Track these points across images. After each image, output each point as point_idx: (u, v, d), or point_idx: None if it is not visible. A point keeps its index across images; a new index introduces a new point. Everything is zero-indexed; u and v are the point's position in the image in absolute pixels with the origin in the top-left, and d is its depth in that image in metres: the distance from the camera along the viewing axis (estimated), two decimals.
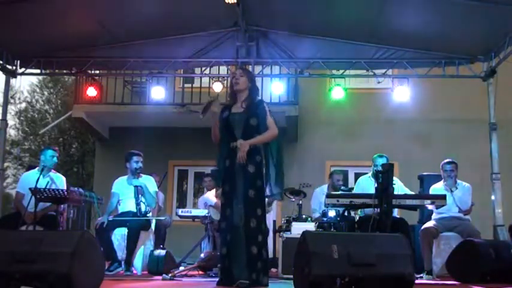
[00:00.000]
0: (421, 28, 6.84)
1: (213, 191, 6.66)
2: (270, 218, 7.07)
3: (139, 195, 6.10)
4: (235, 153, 4.10)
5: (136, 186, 6.13)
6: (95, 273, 3.56)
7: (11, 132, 21.60)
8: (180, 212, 7.37)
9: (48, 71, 8.54)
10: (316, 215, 6.98)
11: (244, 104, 4.21)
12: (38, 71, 8.12)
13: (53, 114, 22.83)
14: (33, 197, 5.45)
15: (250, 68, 7.55)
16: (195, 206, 11.48)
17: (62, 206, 5.96)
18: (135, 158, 6.22)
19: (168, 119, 10.28)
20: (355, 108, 10.35)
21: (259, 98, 4.42)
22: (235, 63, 7.76)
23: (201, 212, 7.02)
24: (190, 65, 8.39)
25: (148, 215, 6.15)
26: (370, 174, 6.29)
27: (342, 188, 7.51)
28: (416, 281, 3.90)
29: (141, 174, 6.29)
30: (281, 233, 5.92)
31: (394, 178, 5.21)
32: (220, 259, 4.17)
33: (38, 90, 23.38)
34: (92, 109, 10.14)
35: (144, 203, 6.10)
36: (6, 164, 16.19)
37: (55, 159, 6.13)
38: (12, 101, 20.80)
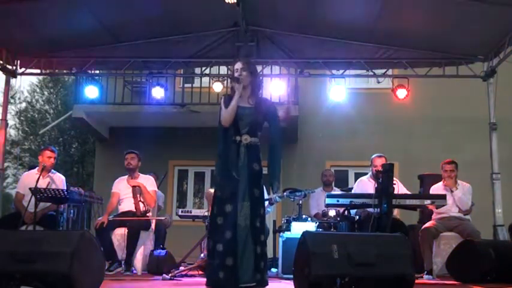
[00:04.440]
0: (421, 28, 6.84)
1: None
2: (270, 218, 7.07)
3: (138, 195, 6.11)
4: (238, 147, 4.00)
5: (133, 186, 6.13)
6: (95, 273, 3.56)
7: (11, 132, 21.62)
8: (180, 212, 7.37)
9: (48, 71, 8.53)
10: (314, 211, 7.00)
11: (251, 100, 4.09)
12: (38, 71, 8.11)
13: (53, 114, 22.84)
14: (33, 197, 5.46)
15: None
16: (195, 206, 11.50)
17: (62, 206, 5.97)
18: (126, 157, 6.24)
19: (168, 119, 10.28)
20: (355, 108, 10.34)
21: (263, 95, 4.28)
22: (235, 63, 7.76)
23: (201, 212, 7.02)
24: (190, 65, 8.38)
25: (148, 214, 6.16)
26: (369, 175, 6.30)
27: (337, 188, 7.55)
28: (416, 281, 3.90)
29: (139, 174, 6.30)
30: (281, 233, 5.92)
31: (394, 178, 5.20)
32: (215, 256, 3.89)
33: (38, 90, 23.40)
34: (92, 109, 10.13)
35: (143, 202, 6.10)
36: (6, 164, 16.17)
37: (52, 160, 6.13)
38: (12, 101, 20.81)
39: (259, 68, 8.07)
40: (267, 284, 3.94)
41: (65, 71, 8.91)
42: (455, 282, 5.17)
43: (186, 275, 5.33)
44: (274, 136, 4.15)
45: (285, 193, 6.54)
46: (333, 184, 7.59)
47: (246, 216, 3.91)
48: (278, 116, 4.16)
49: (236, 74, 4.10)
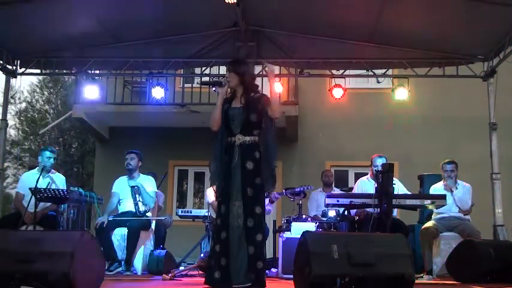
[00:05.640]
0: (421, 28, 6.83)
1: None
2: (270, 218, 7.07)
3: (136, 195, 6.11)
4: (232, 148, 4.02)
5: (132, 187, 6.13)
6: (95, 273, 3.56)
7: (11, 132, 21.63)
8: (180, 212, 7.38)
9: (48, 71, 8.53)
10: (313, 213, 7.00)
11: (242, 100, 4.10)
12: (38, 71, 8.11)
13: (53, 114, 22.84)
14: (33, 197, 5.46)
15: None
16: (195, 206, 11.50)
17: (62, 206, 5.97)
18: (126, 156, 6.25)
19: (168, 119, 10.28)
20: (355, 108, 10.34)
21: (260, 92, 4.24)
22: None
23: (201, 212, 7.02)
24: (190, 65, 8.38)
25: (147, 214, 6.16)
26: (368, 175, 6.30)
27: (337, 188, 7.56)
28: (416, 281, 3.90)
29: (139, 174, 6.30)
30: (281, 233, 5.92)
31: (394, 178, 5.21)
32: (213, 256, 3.97)
33: (38, 90, 23.41)
34: (92, 109, 10.13)
35: (142, 202, 6.10)
36: (6, 164, 16.18)
37: (52, 160, 6.14)
38: (12, 101, 20.81)
39: (259, 68, 8.10)
40: (265, 285, 3.94)
41: (65, 71, 8.90)
42: (455, 282, 5.17)
43: (186, 275, 5.33)
44: (264, 133, 4.10)
45: (283, 191, 6.57)
46: (333, 185, 7.59)
47: (238, 216, 3.93)
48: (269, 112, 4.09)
49: (224, 79, 4.14)
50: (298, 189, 6.67)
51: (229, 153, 4.03)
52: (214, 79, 7.98)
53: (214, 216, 6.27)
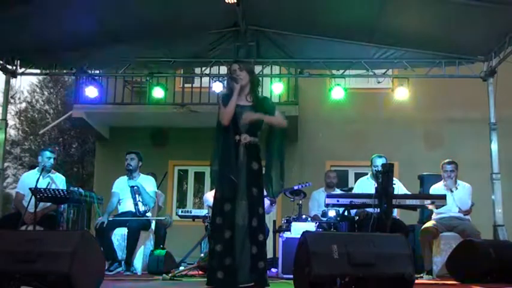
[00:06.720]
0: (421, 28, 6.83)
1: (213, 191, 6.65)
2: (270, 218, 7.07)
3: (136, 195, 6.11)
4: (237, 147, 3.99)
5: (132, 187, 6.13)
6: (95, 273, 3.56)
7: (11, 132, 21.60)
8: (180, 212, 7.38)
9: (48, 71, 8.53)
10: (313, 213, 7.00)
11: (249, 98, 4.10)
12: (38, 71, 8.12)
13: (53, 114, 22.84)
14: (33, 197, 5.46)
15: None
16: (195, 206, 11.50)
17: (62, 206, 5.97)
18: (126, 157, 6.26)
19: (168, 119, 10.28)
20: (355, 108, 10.34)
21: (262, 94, 4.27)
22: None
23: (201, 212, 7.02)
24: (190, 65, 8.38)
25: (147, 214, 6.16)
26: (369, 175, 6.30)
27: (337, 188, 7.55)
28: (416, 281, 3.90)
29: (139, 174, 6.30)
30: (281, 233, 5.91)
31: (394, 179, 5.21)
32: (214, 256, 3.90)
33: (38, 90, 23.40)
34: (92, 109, 10.13)
35: (142, 202, 6.10)
36: (6, 164, 16.18)
37: (52, 160, 6.14)
38: (12, 101, 20.78)
39: (259, 68, 8.10)
40: (268, 285, 3.94)
41: (65, 71, 8.90)
42: (455, 282, 5.17)
43: (186, 275, 5.34)
44: (275, 134, 4.11)
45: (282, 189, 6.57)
46: (335, 186, 7.56)
47: (244, 215, 3.92)
48: (274, 112, 4.11)
49: (235, 76, 4.11)
50: (297, 187, 6.67)
51: (234, 152, 4.00)
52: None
53: None
